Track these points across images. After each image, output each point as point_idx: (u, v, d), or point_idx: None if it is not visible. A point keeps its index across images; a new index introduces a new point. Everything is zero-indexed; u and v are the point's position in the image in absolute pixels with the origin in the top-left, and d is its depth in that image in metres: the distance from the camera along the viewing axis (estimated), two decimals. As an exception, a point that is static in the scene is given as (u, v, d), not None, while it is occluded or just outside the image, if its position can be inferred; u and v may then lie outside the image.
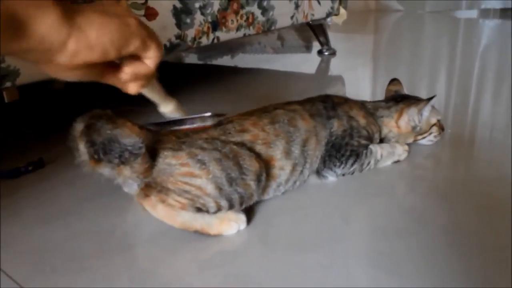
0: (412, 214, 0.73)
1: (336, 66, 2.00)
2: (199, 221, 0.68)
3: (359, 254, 0.64)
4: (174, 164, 0.67)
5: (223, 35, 1.38)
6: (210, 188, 0.67)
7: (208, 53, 2.31)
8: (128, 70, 0.54)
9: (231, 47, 2.41)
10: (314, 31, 2.05)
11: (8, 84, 0.87)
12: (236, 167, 0.69)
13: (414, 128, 0.93)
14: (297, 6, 1.71)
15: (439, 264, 0.60)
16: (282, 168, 0.76)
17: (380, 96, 1.04)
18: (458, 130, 1.10)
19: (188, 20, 1.24)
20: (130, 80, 0.56)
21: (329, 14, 1.95)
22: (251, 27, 1.49)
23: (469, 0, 3.53)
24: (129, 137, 0.64)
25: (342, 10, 2.01)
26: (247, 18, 1.46)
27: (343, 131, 0.84)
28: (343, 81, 1.75)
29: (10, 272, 0.62)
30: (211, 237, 0.69)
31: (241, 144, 0.72)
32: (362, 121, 0.87)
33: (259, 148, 0.74)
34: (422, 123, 0.93)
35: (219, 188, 0.67)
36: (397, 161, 0.91)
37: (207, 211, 0.68)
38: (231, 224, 0.70)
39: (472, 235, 0.67)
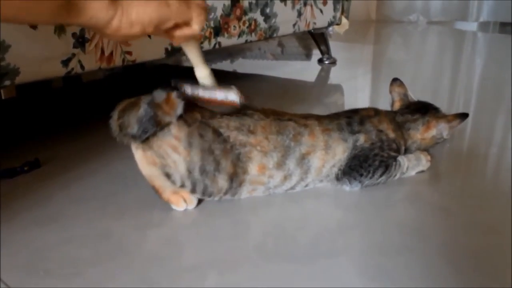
0: (410, 230, 0.73)
1: (336, 75, 2.00)
2: (160, 181, 0.76)
3: (356, 268, 0.63)
4: (172, 133, 0.73)
5: (225, 41, 1.37)
6: (181, 167, 0.74)
7: (208, 57, 2.30)
8: (176, 33, 0.66)
9: (231, 52, 2.41)
10: (316, 39, 2.06)
11: (7, 82, 0.86)
12: (214, 163, 0.75)
13: (438, 139, 0.94)
14: (299, 14, 1.72)
15: (437, 282, 0.60)
16: (271, 176, 0.80)
17: (382, 105, 1.03)
18: (457, 144, 1.11)
19: (191, 25, 1.24)
20: (178, 40, 0.68)
21: (331, 23, 1.95)
22: (253, 34, 1.49)
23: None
24: (139, 111, 0.70)
25: (344, 20, 2.01)
26: (250, 24, 1.46)
27: (371, 144, 0.84)
28: (342, 90, 1.75)
29: (2, 275, 0.61)
30: (209, 245, 0.69)
31: (240, 146, 0.76)
32: (391, 134, 0.87)
33: (255, 153, 0.77)
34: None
35: (189, 171, 0.74)
36: (421, 171, 0.92)
37: (174, 182, 0.75)
38: (181, 200, 0.77)
39: (472, 253, 0.67)
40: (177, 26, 0.65)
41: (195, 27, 0.66)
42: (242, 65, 2.23)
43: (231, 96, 0.75)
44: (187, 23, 0.65)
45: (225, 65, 2.22)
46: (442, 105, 0.97)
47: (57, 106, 1.51)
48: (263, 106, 0.83)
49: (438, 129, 0.92)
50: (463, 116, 0.91)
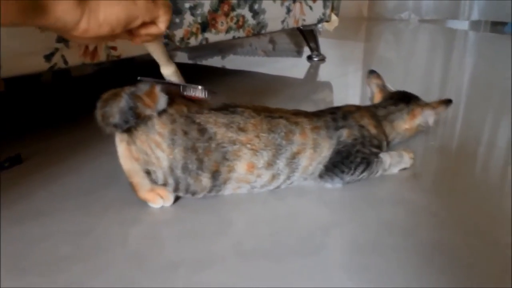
0: (395, 229, 0.73)
1: (324, 72, 2.00)
2: (138, 178, 0.75)
3: (338, 267, 0.63)
4: (155, 129, 0.72)
5: (212, 37, 1.37)
6: (165, 164, 0.73)
7: (199, 53, 2.30)
8: (142, 32, 0.65)
9: (222, 48, 2.41)
10: (305, 36, 2.06)
11: (-12, 77, 0.86)
12: (197, 162, 0.74)
13: (423, 127, 0.94)
14: (288, 11, 1.71)
15: (419, 282, 0.60)
16: (259, 175, 0.79)
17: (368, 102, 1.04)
18: (446, 143, 1.11)
19: (177, 20, 1.23)
20: (143, 38, 0.67)
21: (320, 20, 1.95)
22: (241, 30, 1.48)
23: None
24: (121, 101, 0.69)
25: (333, 17, 2.01)
26: (237, 20, 1.45)
27: (354, 140, 0.84)
28: (331, 87, 1.75)
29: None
30: (191, 243, 0.69)
31: (228, 143, 0.75)
32: (373, 130, 0.87)
33: (245, 151, 0.76)
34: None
35: (171, 169, 0.73)
36: (404, 169, 0.92)
37: (155, 180, 0.75)
38: (157, 197, 0.76)
39: (457, 254, 0.66)
40: (143, 24, 0.64)
41: (161, 25, 0.66)
42: (232, 61, 2.23)
43: (198, 92, 0.77)
44: (153, 22, 0.65)
45: (215, 61, 2.21)
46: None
47: (45, 101, 1.50)
48: (250, 103, 0.83)
49: (424, 117, 0.93)
50: (447, 102, 0.93)
